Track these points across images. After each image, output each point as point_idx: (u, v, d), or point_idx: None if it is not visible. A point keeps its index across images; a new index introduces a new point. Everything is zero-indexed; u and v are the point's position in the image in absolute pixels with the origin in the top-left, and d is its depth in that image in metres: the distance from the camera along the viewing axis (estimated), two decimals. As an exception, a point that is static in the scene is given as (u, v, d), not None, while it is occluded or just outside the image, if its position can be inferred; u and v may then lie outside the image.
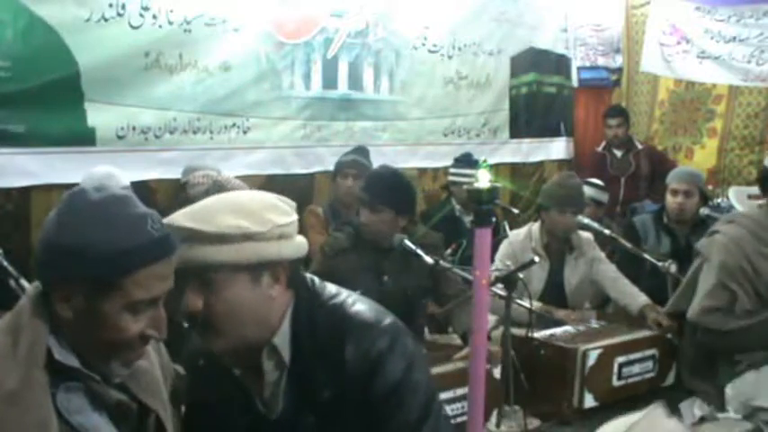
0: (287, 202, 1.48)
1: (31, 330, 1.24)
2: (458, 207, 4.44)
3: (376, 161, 4.28)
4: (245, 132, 4.23)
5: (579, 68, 6.17)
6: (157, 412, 1.37)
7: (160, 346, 1.49)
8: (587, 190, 4.32)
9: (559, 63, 6.05)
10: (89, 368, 1.28)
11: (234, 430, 1.47)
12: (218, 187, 2.31)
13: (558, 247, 3.41)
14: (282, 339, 1.43)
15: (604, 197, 4.42)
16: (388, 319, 1.47)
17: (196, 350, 1.53)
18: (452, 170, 4.59)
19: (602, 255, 3.42)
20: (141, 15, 3.72)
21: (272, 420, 1.44)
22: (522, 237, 3.41)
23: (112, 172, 3.39)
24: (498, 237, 3.57)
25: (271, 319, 1.42)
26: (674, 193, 3.70)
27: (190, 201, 2.36)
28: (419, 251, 2.64)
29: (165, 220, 1.32)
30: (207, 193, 2.31)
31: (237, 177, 3.07)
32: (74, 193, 1.27)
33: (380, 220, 2.84)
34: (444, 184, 4.79)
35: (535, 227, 3.44)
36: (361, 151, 4.21)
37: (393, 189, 2.89)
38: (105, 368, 1.30)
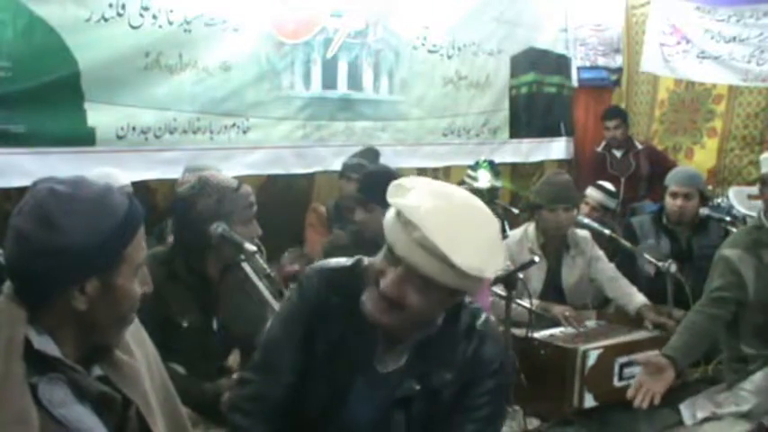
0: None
1: (8, 322, 1.24)
2: None
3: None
4: (245, 132, 4.22)
5: (579, 68, 6.17)
6: (138, 404, 1.37)
7: (143, 337, 1.50)
8: (596, 194, 4.34)
9: (559, 63, 6.05)
10: (72, 360, 1.29)
11: (339, 365, 1.62)
12: (203, 184, 2.31)
13: (555, 247, 3.40)
14: (434, 326, 1.62)
15: (612, 203, 4.41)
16: None
17: (331, 288, 1.65)
18: (470, 171, 4.55)
19: (601, 253, 3.42)
20: (141, 15, 3.72)
21: (379, 372, 1.62)
22: (518, 237, 3.40)
23: (109, 172, 3.39)
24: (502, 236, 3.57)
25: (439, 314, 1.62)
26: (674, 195, 3.67)
27: (178, 199, 2.37)
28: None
29: (421, 235, 1.42)
30: (192, 189, 2.31)
31: (237, 177, 3.07)
32: (42, 196, 1.25)
33: (374, 218, 2.86)
34: (457, 183, 4.78)
35: (531, 227, 3.43)
36: (370, 153, 4.20)
37: (386, 188, 2.89)
38: (117, 338, 1.36)
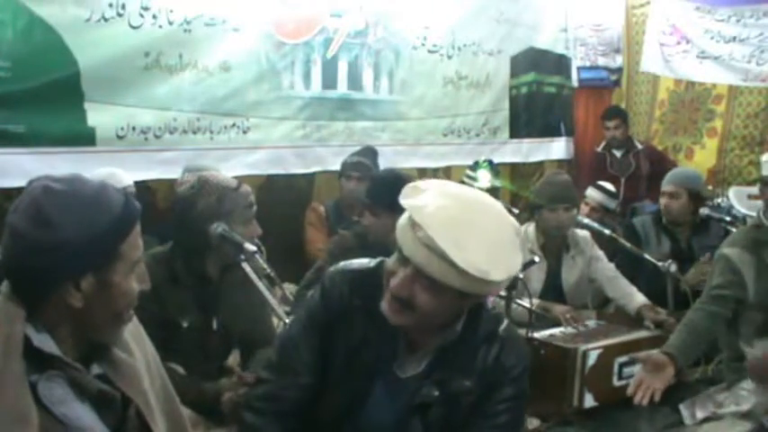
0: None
1: (7, 320, 1.24)
2: None
3: (376, 161, 4.28)
4: (245, 132, 4.22)
5: (579, 68, 6.17)
6: (137, 402, 1.37)
7: (142, 337, 1.50)
8: (596, 194, 4.34)
9: (559, 63, 6.05)
10: (70, 358, 1.30)
11: (359, 368, 1.61)
12: (203, 183, 2.31)
13: (555, 247, 3.41)
14: (454, 331, 1.62)
15: (612, 204, 4.42)
16: None
17: (354, 290, 1.64)
18: (469, 171, 4.56)
19: (601, 253, 3.42)
20: (141, 15, 3.72)
21: (399, 377, 1.62)
22: (517, 239, 3.40)
23: (113, 171, 3.40)
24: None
25: (455, 317, 1.60)
26: (662, 194, 3.75)
27: (178, 199, 2.38)
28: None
29: (424, 234, 1.40)
30: (192, 189, 2.31)
31: (237, 177, 3.08)
32: (37, 194, 1.26)
33: (382, 223, 2.86)
34: (458, 182, 4.78)
35: (531, 228, 3.44)
36: (368, 153, 4.21)
37: (394, 193, 2.88)
38: (115, 336, 1.36)
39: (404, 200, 1.49)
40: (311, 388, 1.64)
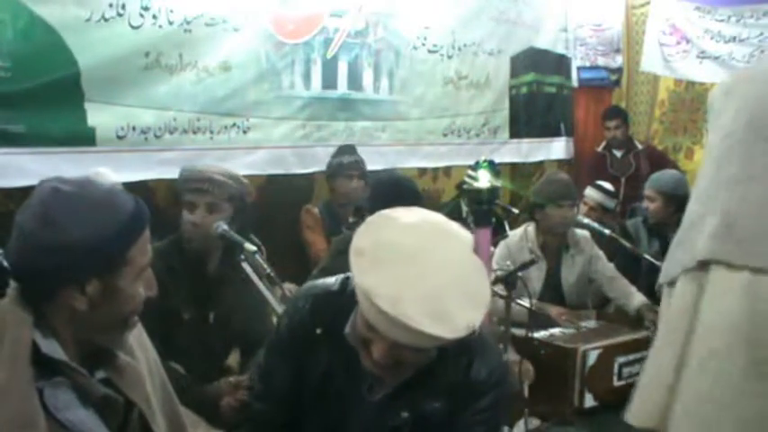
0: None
1: (15, 325, 1.24)
2: (465, 208, 4.45)
3: (376, 161, 4.29)
4: (245, 132, 4.22)
5: (579, 68, 6.17)
6: (140, 407, 1.38)
7: (144, 340, 1.50)
8: (595, 194, 4.35)
9: (559, 63, 6.05)
10: (75, 362, 1.29)
11: (331, 393, 1.60)
12: (188, 171, 2.37)
13: (555, 246, 3.41)
14: (430, 358, 1.53)
15: (611, 203, 4.43)
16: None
17: (317, 317, 1.60)
18: (470, 171, 4.56)
19: (601, 253, 3.42)
20: (141, 15, 3.72)
21: (369, 400, 1.58)
22: (517, 238, 3.41)
23: (102, 171, 3.38)
24: (500, 236, 3.57)
25: None
26: (644, 197, 3.87)
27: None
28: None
29: (394, 317, 1.30)
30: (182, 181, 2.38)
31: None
32: (46, 194, 1.26)
33: None
34: (458, 183, 4.79)
35: (530, 227, 3.44)
36: (351, 150, 4.23)
37: (394, 199, 2.89)
38: (119, 341, 1.36)
39: (357, 277, 1.37)
40: (292, 410, 1.63)
